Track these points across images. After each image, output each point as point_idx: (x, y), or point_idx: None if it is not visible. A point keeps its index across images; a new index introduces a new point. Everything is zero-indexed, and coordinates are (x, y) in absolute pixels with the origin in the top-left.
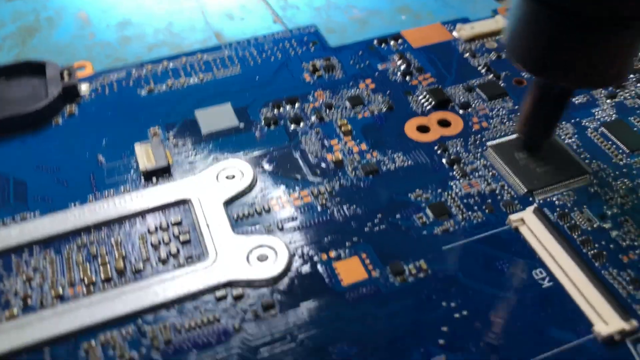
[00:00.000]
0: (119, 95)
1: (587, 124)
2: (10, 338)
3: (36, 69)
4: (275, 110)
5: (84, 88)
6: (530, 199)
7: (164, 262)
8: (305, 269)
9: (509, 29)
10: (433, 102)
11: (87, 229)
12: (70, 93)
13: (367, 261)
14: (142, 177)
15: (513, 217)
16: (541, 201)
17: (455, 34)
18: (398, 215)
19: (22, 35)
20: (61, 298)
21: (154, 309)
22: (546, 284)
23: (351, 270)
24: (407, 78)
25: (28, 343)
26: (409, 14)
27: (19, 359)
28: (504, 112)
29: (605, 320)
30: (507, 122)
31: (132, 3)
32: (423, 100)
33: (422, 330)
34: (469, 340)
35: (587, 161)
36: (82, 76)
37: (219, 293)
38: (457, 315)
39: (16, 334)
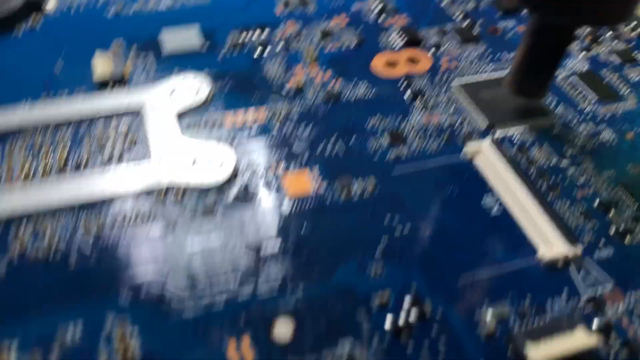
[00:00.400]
0: (85, 14)
1: (558, 72)
2: None
3: None
4: (243, 35)
5: (50, 5)
6: (490, 132)
7: (107, 160)
8: (251, 179)
9: None
10: (405, 40)
11: (34, 128)
12: (34, 6)
13: (315, 177)
14: (98, 86)
15: (470, 145)
16: (500, 137)
17: None
18: (353, 139)
19: None
20: None
21: (92, 203)
22: (495, 212)
23: (298, 183)
24: (381, 17)
25: None
26: None
27: None
28: (475, 54)
29: (550, 246)
30: (477, 65)
31: None
32: (395, 37)
33: (361, 243)
34: (408, 255)
35: (552, 105)
36: None
37: (159, 193)
38: (398, 232)
39: None
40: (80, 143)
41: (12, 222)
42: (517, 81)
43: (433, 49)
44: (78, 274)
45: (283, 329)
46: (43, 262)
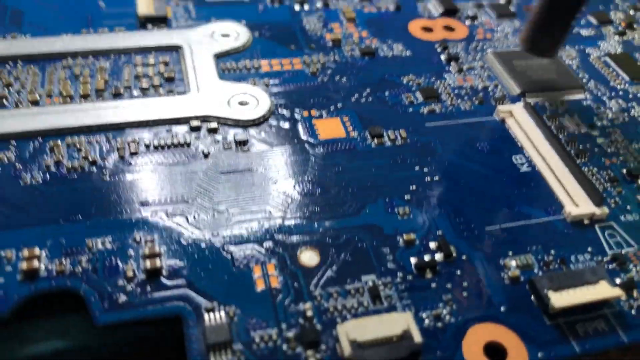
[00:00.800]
0: None
1: (590, 51)
2: None
3: None
4: None
5: None
6: (522, 99)
7: (144, 91)
8: (284, 120)
9: None
10: (441, 10)
11: (74, 54)
12: None
13: (348, 124)
14: (139, 24)
15: (502, 107)
16: (532, 103)
17: None
18: (387, 93)
19: None
20: (36, 104)
21: (126, 125)
22: (524, 168)
23: (330, 128)
24: None
25: None
26: None
27: None
28: (509, 29)
29: (577, 204)
30: (511, 38)
31: None
32: (431, 7)
33: (390, 184)
34: (435, 200)
35: (584, 80)
36: None
37: (194, 123)
38: (428, 178)
39: None
40: (119, 73)
41: (49, 137)
42: (531, 37)
43: (469, 20)
44: (109, 189)
45: (308, 259)
46: (79, 172)
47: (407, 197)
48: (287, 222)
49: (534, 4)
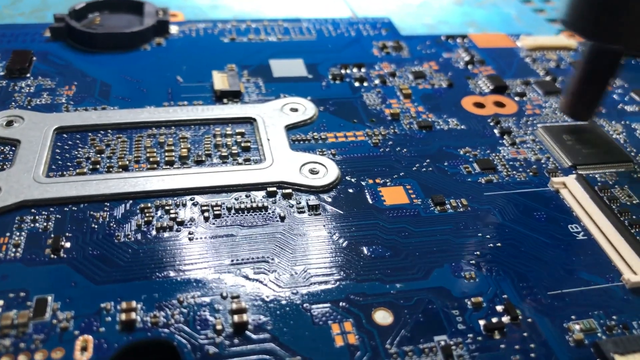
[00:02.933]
0: (204, 38)
1: (636, 126)
2: (76, 188)
3: (135, 6)
4: (343, 70)
5: (174, 29)
6: (573, 171)
7: (224, 158)
8: (352, 187)
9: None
10: (491, 87)
11: (158, 124)
12: (162, 27)
13: (411, 191)
14: (214, 98)
15: (555, 179)
16: (584, 175)
17: (518, 43)
18: (446, 163)
19: None
20: (126, 169)
21: (210, 190)
22: (580, 237)
23: (395, 195)
24: (469, 67)
25: (91, 194)
26: (475, 28)
27: (82, 205)
28: (557, 106)
29: (635, 271)
30: (558, 114)
31: None
32: (482, 84)
33: (455, 250)
34: (498, 266)
35: (632, 154)
36: (173, 20)
37: (270, 189)
38: (490, 245)
39: (82, 186)
40: (200, 143)
41: (139, 199)
42: (570, 104)
43: (517, 97)
44: (196, 247)
45: (381, 318)
46: (167, 232)
47: (472, 261)
48: (360, 283)
49: (572, 75)
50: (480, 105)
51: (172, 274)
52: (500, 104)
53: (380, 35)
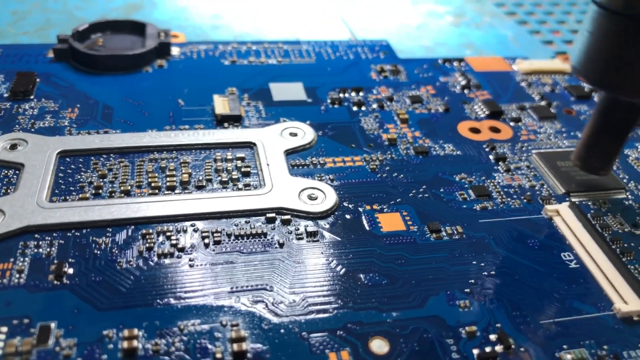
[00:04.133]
0: (205, 60)
1: (629, 153)
2: (79, 213)
3: (137, 27)
4: (341, 94)
5: (175, 51)
6: (567, 199)
7: (224, 184)
8: (349, 213)
9: (578, 47)
10: (487, 112)
11: (160, 149)
12: (163, 50)
13: (407, 218)
14: (215, 122)
15: (549, 207)
16: (577, 203)
17: (514, 66)
18: (442, 190)
19: (127, 9)
20: (127, 194)
21: (210, 216)
22: (573, 265)
23: (391, 222)
24: (465, 91)
25: (94, 219)
26: (472, 50)
27: (84, 231)
28: (551, 131)
29: (626, 301)
30: (553, 139)
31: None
32: (477, 109)
33: (450, 278)
34: (492, 294)
35: (624, 181)
36: (175, 42)
37: (270, 215)
38: (485, 273)
39: (84, 212)
40: (201, 167)
41: (140, 225)
42: (583, 156)
43: (513, 122)
44: (195, 274)
45: (377, 347)
46: (169, 258)
47: (466, 290)
48: (357, 311)
49: (585, 125)
50: (476, 130)
51: (172, 301)
52: (495, 129)
53: (379, 59)
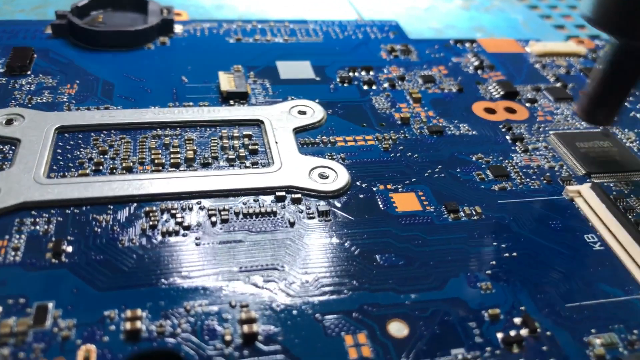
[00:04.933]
0: (209, 39)
1: None
2: (78, 189)
3: (139, 4)
4: (351, 73)
5: (178, 29)
6: (588, 180)
7: (231, 162)
8: (362, 192)
9: None
10: (502, 92)
11: (163, 125)
12: (166, 27)
13: (423, 198)
14: (221, 99)
15: (570, 188)
16: (598, 184)
17: (527, 48)
18: (458, 170)
19: None
20: (130, 170)
21: (217, 193)
22: (597, 247)
23: (407, 201)
24: (479, 72)
25: (94, 196)
26: (483, 33)
27: (84, 208)
28: (568, 112)
29: None
30: (570, 120)
31: None
32: (492, 90)
33: (470, 259)
34: (515, 276)
35: None
36: (178, 20)
37: (279, 193)
38: (506, 254)
39: (84, 188)
40: (206, 145)
41: (144, 202)
42: (590, 109)
43: (528, 103)
44: (203, 253)
45: (396, 330)
46: (173, 236)
47: (488, 272)
48: (373, 293)
49: (590, 78)
50: (491, 110)
51: (178, 280)
52: (511, 110)
53: (388, 39)
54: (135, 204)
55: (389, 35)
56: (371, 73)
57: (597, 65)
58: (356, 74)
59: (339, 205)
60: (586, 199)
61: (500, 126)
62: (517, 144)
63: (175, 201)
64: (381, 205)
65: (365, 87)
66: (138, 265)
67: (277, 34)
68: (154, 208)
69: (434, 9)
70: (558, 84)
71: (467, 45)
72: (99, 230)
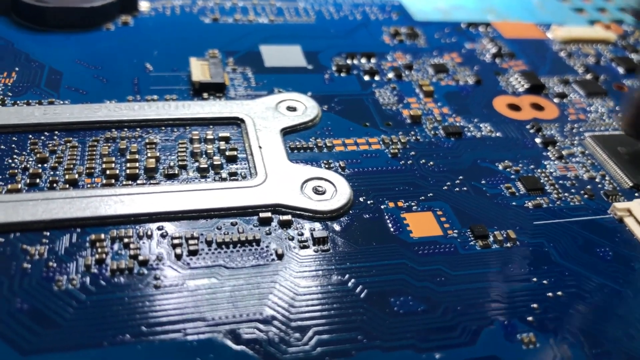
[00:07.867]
0: (180, 18)
1: None
2: (6, 211)
3: None
4: (349, 61)
5: (144, 6)
6: (637, 194)
7: (203, 172)
8: (368, 212)
9: None
10: (526, 86)
11: (119, 125)
12: (129, 3)
13: (443, 219)
14: (192, 91)
15: (618, 205)
16: None
17: (549, 34)
18: (483, 181)
19: None
20: (74, 184)
21: (184, 216)
22: None
23: (423, 224)
24: (497, 60)
25: (26, 219)
26: (494, 15)
27: (12, 236)
28: (603, 110)
29: None
30: (607, 120)
31: None
32: (514, 82)
33: (506, 301)
34: (563, 324)
35: None
36: None
37: (264, 215)
38: (550, 294)
39: (13, 209)
40: (172, 150)
41: (89, 228)
42: (636, 123)
43: (557, 98)
44: (163, 299)
45: None
46: (126, 275)
47: (529, 318)
48: (388, 352)
49: (637, 89)
50: (515, 107)
51: (130, 337)
52: (538, 107)
53: (391, 20)
54: (78, 230)
55: (392, 17)
56: (373, 60)
57: None
58: (355, 61)
59: (338, 229)
60: (638, 218)
61: (528, 126)
62: (549, 148)
63: (130, 226)
64: (392, 229)
65: (366, 78)
66: (78, 316)
67: (261, 14)
68: (103, 236)
69: None
70: (588, 76)
71: (481, 29)
72: (29, 266)
